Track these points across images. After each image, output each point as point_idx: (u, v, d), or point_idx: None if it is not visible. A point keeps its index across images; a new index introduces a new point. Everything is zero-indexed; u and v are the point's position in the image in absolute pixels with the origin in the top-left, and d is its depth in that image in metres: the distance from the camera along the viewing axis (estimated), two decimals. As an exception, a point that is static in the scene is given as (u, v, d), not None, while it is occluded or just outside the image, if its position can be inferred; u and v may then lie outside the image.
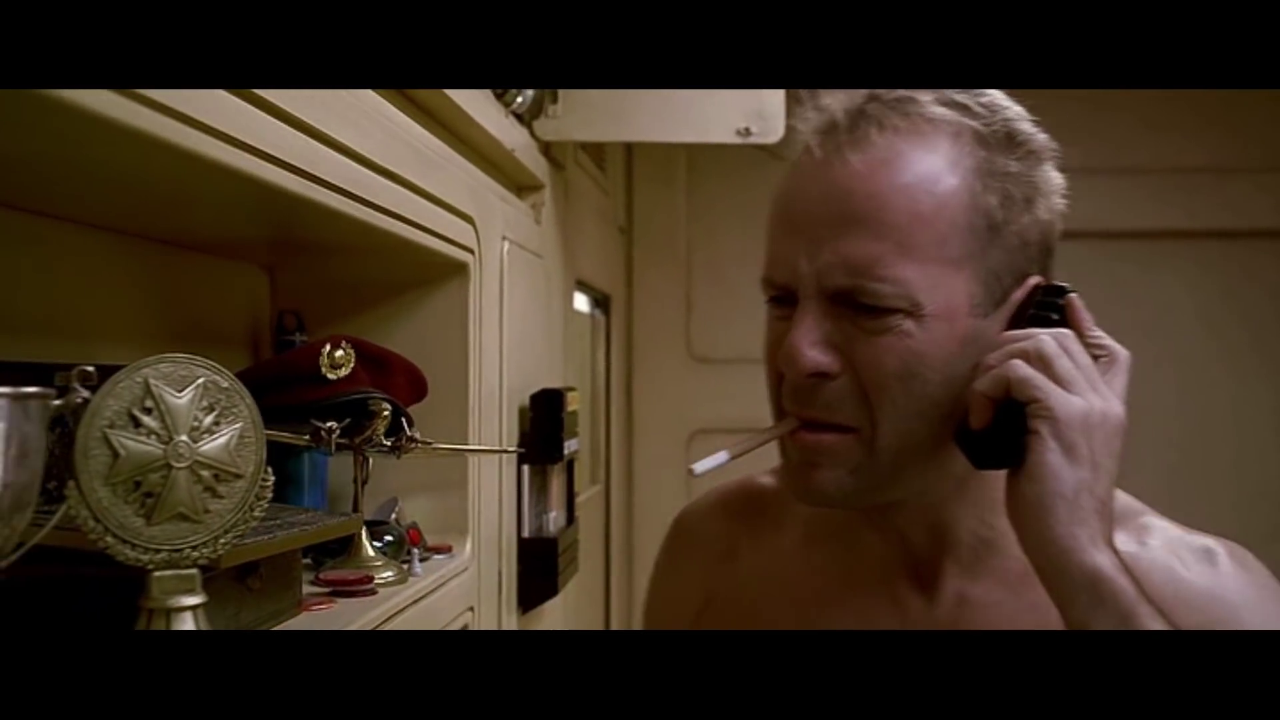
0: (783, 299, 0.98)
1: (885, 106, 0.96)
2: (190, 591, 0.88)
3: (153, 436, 0.86)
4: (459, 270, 1.67)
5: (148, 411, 0.86)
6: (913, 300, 0.92)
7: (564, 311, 2.52)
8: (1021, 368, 0.91)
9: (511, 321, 1.87)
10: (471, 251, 1.68)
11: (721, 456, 0.99)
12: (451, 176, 1.61)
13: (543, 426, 1.93)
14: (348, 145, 1.22)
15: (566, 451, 2.00)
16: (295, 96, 1.08)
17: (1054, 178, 1.00)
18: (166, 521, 0.86)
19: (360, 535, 1.38)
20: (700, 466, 0.98)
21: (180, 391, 0.87)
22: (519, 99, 1.94)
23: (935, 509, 1.02)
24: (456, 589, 1.56)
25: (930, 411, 0.95)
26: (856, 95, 0.98)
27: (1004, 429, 0.92)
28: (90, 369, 0.86)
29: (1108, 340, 0.98)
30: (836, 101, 0.98)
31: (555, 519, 2.07)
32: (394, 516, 1.56)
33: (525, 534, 1.94)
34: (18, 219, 1.16)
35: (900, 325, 0.93)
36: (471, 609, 1.65)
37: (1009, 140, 0.97)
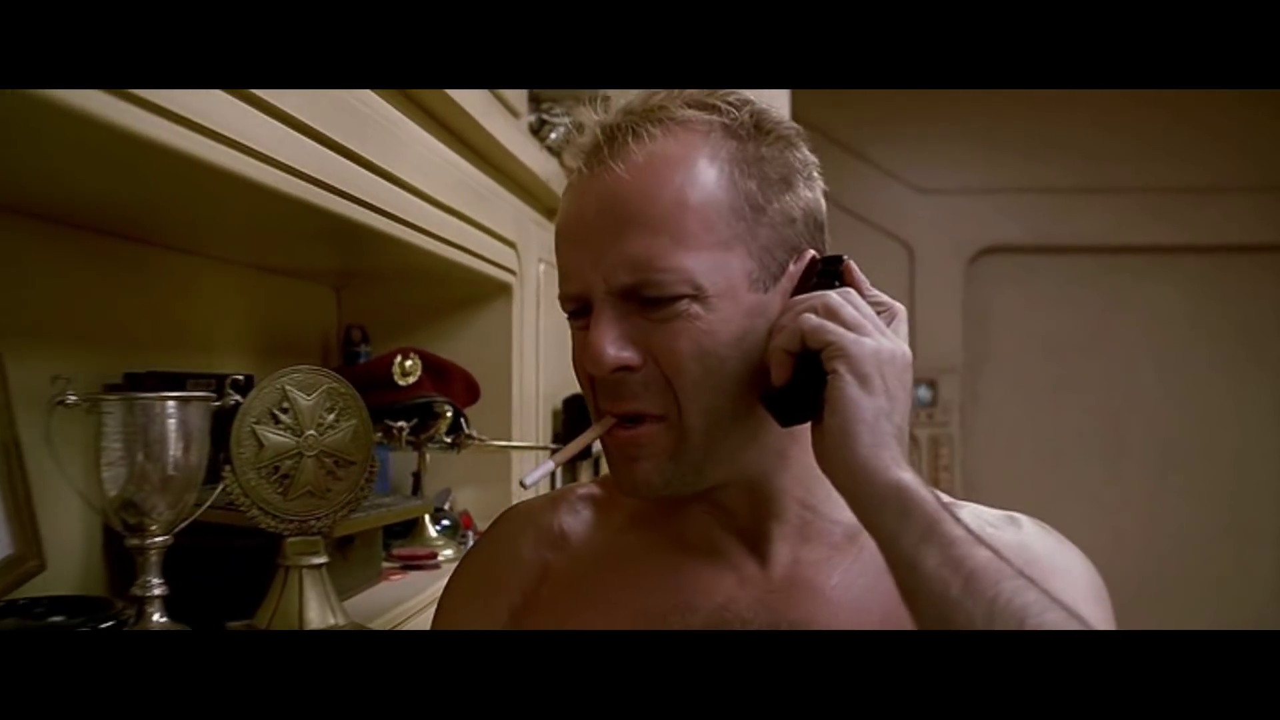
0: (579, 310, 1.03)
1: (638, 116, 1.01)
2: (316, 553, 1.11)
3: (288, 431, 1.09)
4: (504, 290, 1.90)
5: (284, 411, 1.09)
6: (694, 284, 0.97)
7: (589, 323, 2.75)
8: (812, 319, 0.97)
9: (546, 334, 2.10)
10: (514, 273, 1.91)
11: (548, 465, 1.03)
12: (497, 208, 1.84)
13: (573, 427, 2.16)
14: (410, 182, 1.44)
15: (594, 450, 2.23)
16: (366, 138, 1.28)
17: (809, 158, 1.05)
18: (297, 498, 1.10)
19: (424, 519, 1.62)
20: (530, 478, 1.02)
21: (309, 395, 1.10)
22: (552, 134, 2.17)
23: (759, 484, 1.06)
24: (503, 567, 1.79)
25: (731, 388, 1.00)
26: (611, 113, 1.03)
27: (803, 383, 0.97)
28: (240, 378, 1.10)
29: (884, 297, 1.04)
30: (592, 121, 1.03)
31: (584, 510, 2.30)
32: (448, 504, 1.80)
33: (558, 523, 2.17)
34: (155, 253, 1.40)
35: (687, 310, 0.98)
36: (514, 586, 1.88)
37: (758, 130, 1.02)
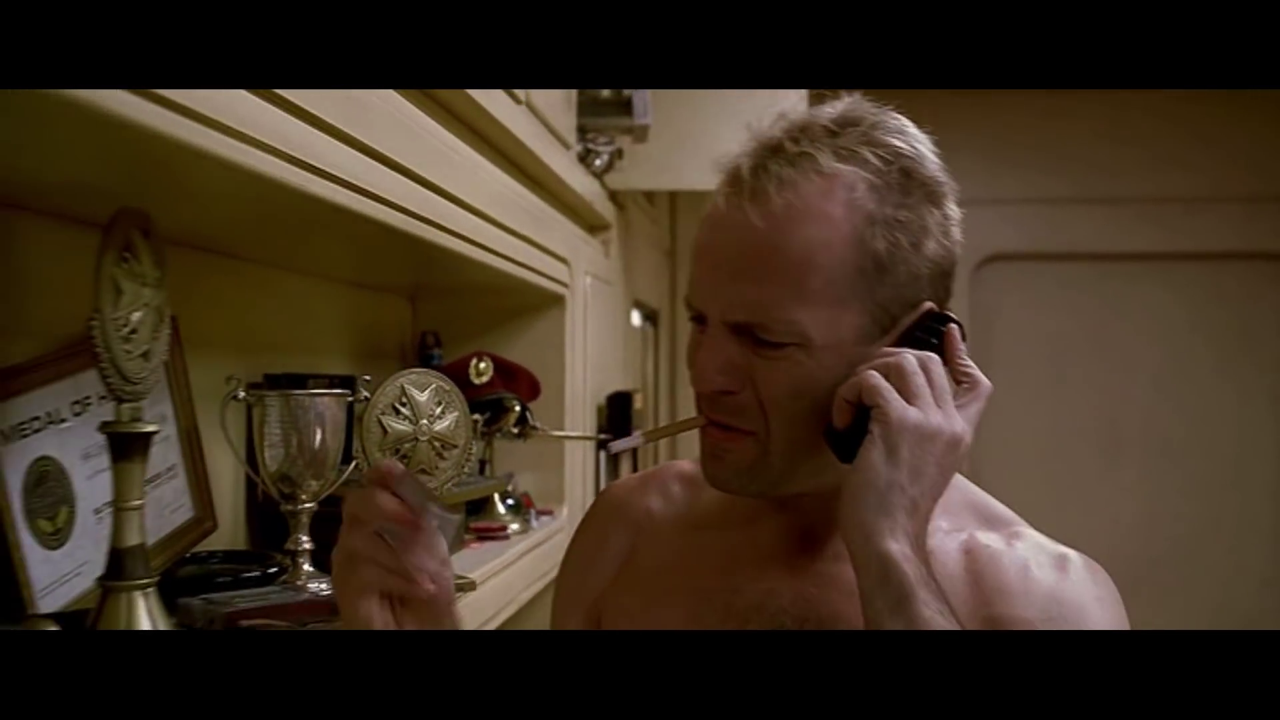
0: (697, 319, 1.07)
1: (784, 162, 1.01)
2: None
3: (406, 420, 1.36)
4: (557, 300, 2.18)
5: (403, 404, 1.36)
6: (804, 336, 1.00)
7: (626, 327, 3.03)
8: (874, 377, 1.00)
9: (591, 338, 2.38)
10: (566, 286, 2.18)
11: (637, 438, 1.12)
12: (551, 229, 2.11)
13: (615, 420, 2.44)
14: (477, 207, 1.67)
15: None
16: (440, 169, 1.47)
17: (949, 214, 1.06)
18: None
19: (495, 497, 1.89)
20: (616, 446, 1.13)
21: (422, 392, 1.37)
22: (597, 161, 2.44)
23: (829, 496, 1.06)
24: (559, 541, 2.06)
25: (817, 423, 1.03)
26: (762, 148, 1.04)
27: (861, 429, 1.00)
28: (368, 378, 1.37)
29: (974, 370, 1.06)
30: (743, 154, 1.04)
31: (624, 495, 2.58)
32: (511, 486, 2.07)
33: (601, 506, 2.45)
34: (266, 271, 1.67)
35: (792, 356, 1.01)
36: (567, 559, 2.15)
37: (903, 187, 1.02)
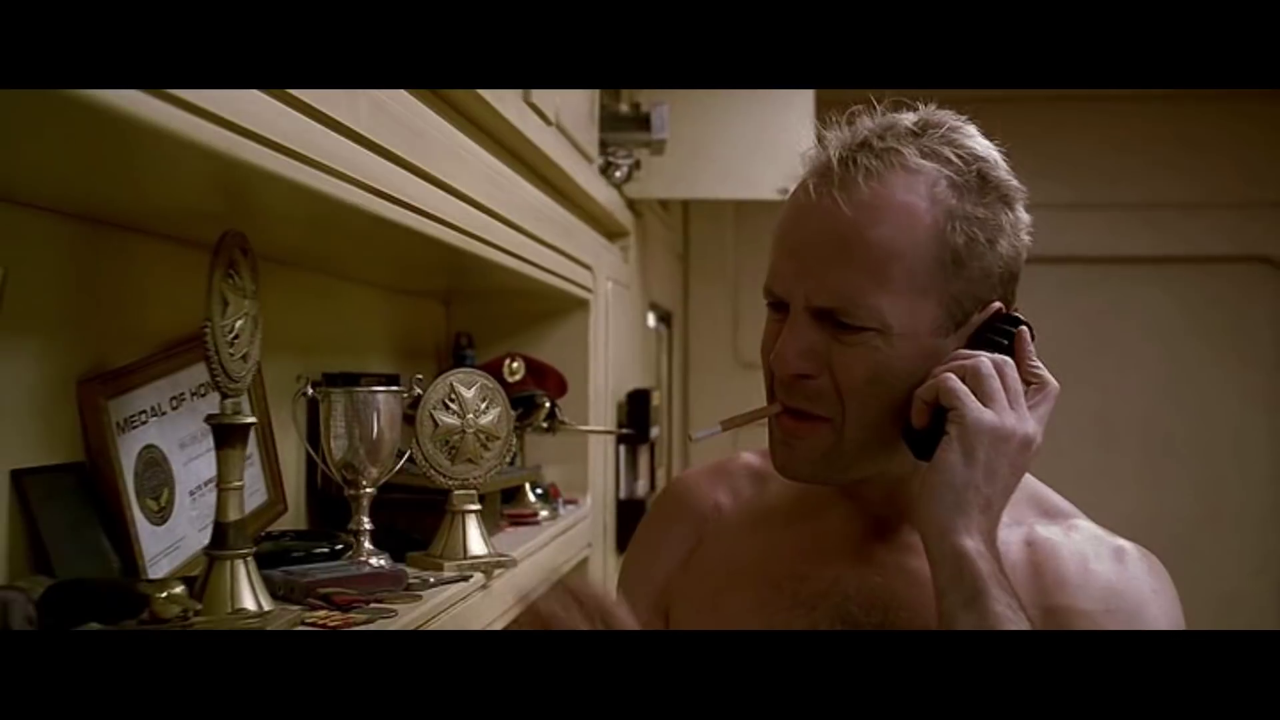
0: (777, 305, 1.11)
1: (873, 155, 1.06)
2: (473, 502, 1.54)
3: (455, 415, 1.52)
4: (581, 304, 2.34)
5: (452, 400, 1.52)
6: (883, 322, 1.04)
7: (643, 328, 3.20)
8: (952, 380, 1.04)
9: (613, 340, 2.54)
10: (590, 290, 2.34)
11: (715, 429, 1.15)
12: (575, 237, 2.26)
13: (635, 417, 2.61)
14: (507, 216, 1.79)
15: (651, 436, 2.67)
16: (473, 181, 1.58)
17: (1020, 218, 1.09)
18: (460, 463, 1.52)
19: (525, 486, 2.05)
20: (698, 434, 1.15)
21: (468, 389, 1.53)
22: (617, 173, 2.61)
23: (895, 484, 1.13)
24: (584, 529, 2.23)
25: (892, 410, 1.08)
26: (851, 140, 1.08)
27: (936, 428, 1.05)
28: (420, 376, 1.53)
29: (1043, 372, 1.09)
30: (832, 145, 1.09)
31: (642, 485, 2.75)
32: (539, 477, 2.23)
33: (621, 496, 2.61)
34: (319, 278, 1.83)
35: (871, 341, 1.05)
36: (590, 545, 2.31)
37: (980, 188, 1.06)
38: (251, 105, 0.93)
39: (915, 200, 1.04)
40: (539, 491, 2.13)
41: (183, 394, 1.31)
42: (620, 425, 2.62)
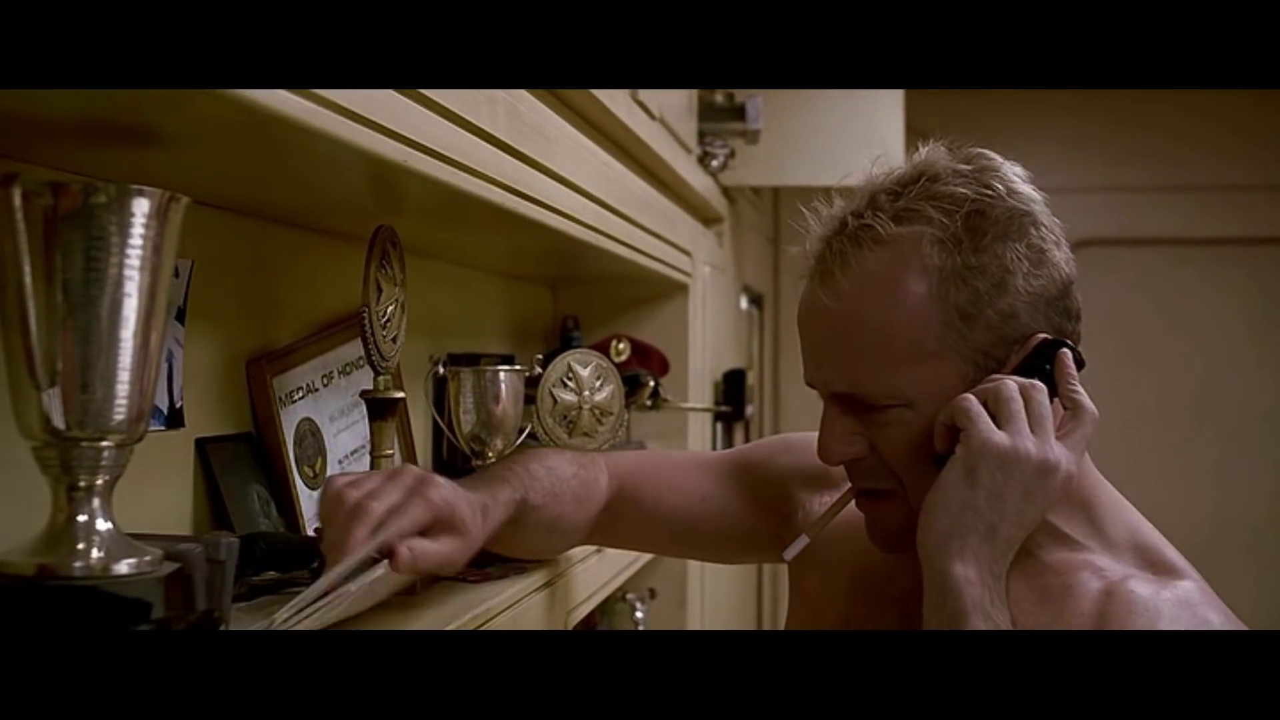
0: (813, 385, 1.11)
1: (847, 239, 1.03)
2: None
3: (572, 392, 1.65)
4: (681, 288, 2.46)
5: (570, 379, 1.65)
6: (905, 397, 1.02)
7: (736, 310, 3.31)
8: (967, 400, 1.00)
9: (711, 321, 2.66)
10: (689, 275, 2.46)
11: (803, 540, 1.13)
12: (675, 224, 2.38)
13: (731, 395, 2.72)
14: (613, 205, 1.89)
15: (747, 414, 2.79)
16: (584, 174, 1.68)
17: (1036, 240, 1.03)
18: (578, 436, 1.65)
19: (631, 460, 2.18)
20: (789, 552, 1.14)
21: (584, 368, 1.66)
22: (714, 162, 2.72)
23: None
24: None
25: None
26: (830, 226, 1.06)
27: None
28: (540, 356, 1.65)
29: (1082, 397, 1.03)
30: (812, 237, 1.08)
31: (737, 462, 2.86)
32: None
33: (718, 472, 2.73)
34: (441, 265, 1.96)
35: (902, 416, 1.03)
36: (690, 518, 2.43)
37: (973, 235, 1.01)
38: (404, 112, 1.05)
39: (898, 272, 1.01)
40: (642, 465, 2.25)
41: (331, 372, 1.45)
42: (717, 403, 2.74)
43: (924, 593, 0.98)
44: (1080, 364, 1.04)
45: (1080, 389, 1.03)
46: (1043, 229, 1.04)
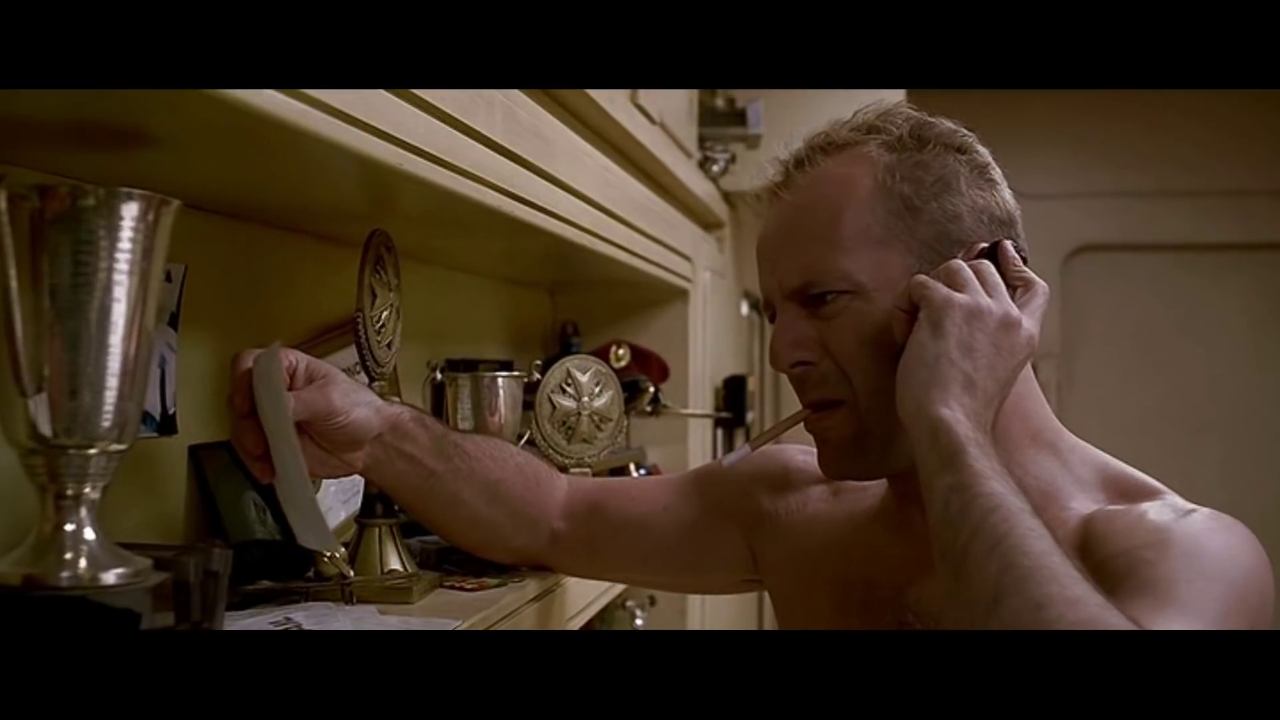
0: (771, 312, 1.15)
1: (808, 147, 1.12)
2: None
3: (571, 398, 1.63)
4: (681, 293, 2.44)
5: (569, 384, 1.63)
6: (853, 281, 1.06)
7: (737, 316, 3.30)
8: (921, 278, 1.04)
9: (711, 328, 2.65)
10: (689, 280, 2.45)
11: (745, 449, 1.19)
12: (676, 228, 2.36)
13: (731, 401, 2.71)
14: (612, 209, 1.87)
15: (747, 419, 2.77)
16: (582, 177, 1.67)
17: (979, 160, 1.12)
18: (576, 443, 1.64)
19: (630, 465, 2.16)
20: (729, 460, 1.20)
21: (584, 374, 1.64)
22: (715, 167, 2.71)
23: None
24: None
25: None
26: (793, 146, 1.14)
27: None
28: (539, 362, 1.64)
29: (1028, 274, 1.08)
30: (777, 159, 1.16)
31: (737, 468, 2.85)
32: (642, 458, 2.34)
33: (718, 478, 2.72)
34: (439, 270, 1.95)
35: (850, 305, 1.06)
36: (690, 523, 2.42)
37: (918, 140, 1.10)
38: (399, 114, 1.03)
39: (849, 168, 1.09)
40: (643, 471, 2.23)
41: (328, 377, 1.43)
42: (718, 409, 2.72)
43: (914, 445, 0.99)
44: (1024, 258, 1.09)
45: (1027, 269, 1.08)
46: (980, 152, 1.13)
